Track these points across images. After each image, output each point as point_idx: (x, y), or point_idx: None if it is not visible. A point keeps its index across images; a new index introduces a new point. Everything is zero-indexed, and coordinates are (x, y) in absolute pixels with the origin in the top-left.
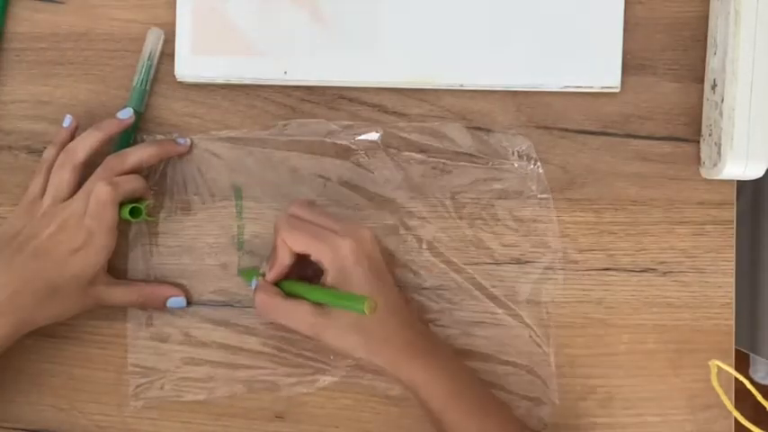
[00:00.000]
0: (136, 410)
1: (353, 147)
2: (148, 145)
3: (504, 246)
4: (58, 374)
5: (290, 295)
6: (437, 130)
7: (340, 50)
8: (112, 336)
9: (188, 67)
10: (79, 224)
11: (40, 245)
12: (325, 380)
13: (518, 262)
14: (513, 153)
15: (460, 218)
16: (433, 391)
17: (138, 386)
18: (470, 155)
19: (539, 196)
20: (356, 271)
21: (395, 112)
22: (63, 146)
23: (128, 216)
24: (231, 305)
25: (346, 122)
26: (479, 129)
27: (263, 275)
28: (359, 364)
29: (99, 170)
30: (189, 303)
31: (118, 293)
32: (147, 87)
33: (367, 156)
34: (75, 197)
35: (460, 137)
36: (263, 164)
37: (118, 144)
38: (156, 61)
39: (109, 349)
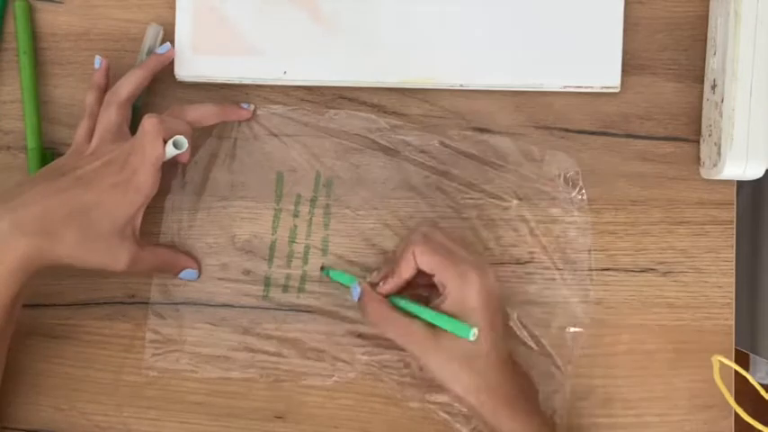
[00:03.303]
0: (135, 410)
1: (397, 149)
2: (212, 104)
3: (504, 246)
4: (58, 375)
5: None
6: (485, 141)
7: (340, 50)
8: (112, 336)
9: (187, 66)
10: (125, 161)
11: (83, 174)
12: (343, 376)
13: (518, 262)
14: (560, 177)
15: (464, 219)
16: None
17: (154, 355)
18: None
19: (578, 221)
20: (478, 305)
21: (394, 112)
22: (99, 87)
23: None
24: (231, 305)
25: (395, 122)
26: (481, 130)
27: (369, 283)
28: (424, 376)
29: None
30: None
31: (144, 255)
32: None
33: (366, 155)
34: (127, 142)
35: (505, 149)
36: (261, 163)
37: None
38: None
39: (108, 349)
